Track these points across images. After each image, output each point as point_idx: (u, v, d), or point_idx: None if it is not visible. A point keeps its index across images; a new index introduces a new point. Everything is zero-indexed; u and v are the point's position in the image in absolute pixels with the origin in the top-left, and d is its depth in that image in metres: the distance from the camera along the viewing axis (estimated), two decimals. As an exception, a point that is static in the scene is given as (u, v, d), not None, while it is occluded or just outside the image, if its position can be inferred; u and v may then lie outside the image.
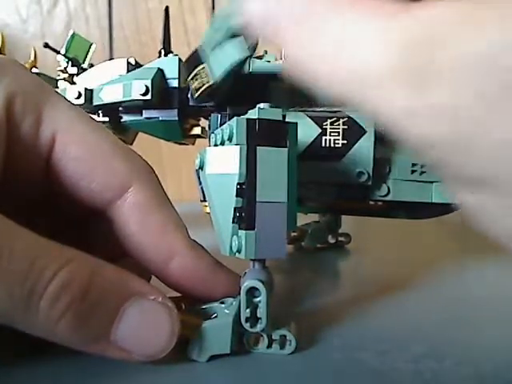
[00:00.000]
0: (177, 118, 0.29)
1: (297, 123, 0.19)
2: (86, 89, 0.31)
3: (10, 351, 0.19)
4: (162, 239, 0.19)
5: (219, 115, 0.27)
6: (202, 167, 0.20)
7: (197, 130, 0.31)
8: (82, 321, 0.16)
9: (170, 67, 0.30)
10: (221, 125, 0.27)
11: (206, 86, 0.20)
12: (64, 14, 0.76)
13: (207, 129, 0.30)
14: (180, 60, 0.30)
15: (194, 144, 0.35)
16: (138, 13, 0.65)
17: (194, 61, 0.21)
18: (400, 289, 0.29)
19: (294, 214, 0.20)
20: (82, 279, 0.16)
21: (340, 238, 0.42)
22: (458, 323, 0.24)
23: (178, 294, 0.22)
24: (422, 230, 0.49)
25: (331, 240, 0.42)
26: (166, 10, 0.33)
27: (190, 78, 0.21)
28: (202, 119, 0.33)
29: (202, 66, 0.20)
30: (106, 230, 0.20)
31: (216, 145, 0.20)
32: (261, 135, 0.18)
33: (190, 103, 0.27)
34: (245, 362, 0.19)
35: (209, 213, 0.21)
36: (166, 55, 0.33)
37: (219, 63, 0.20)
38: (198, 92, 0.21)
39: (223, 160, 0.19)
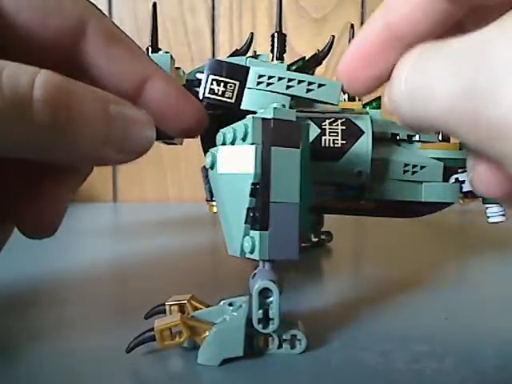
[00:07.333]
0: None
1: (309, 124, 0.19)
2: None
3: None
4: (133, 64, 0.19)
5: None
6: (212, 166, 0.20)
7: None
8: None
9: (163, 65, 0.29)
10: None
11: (226, 100, 0.21)
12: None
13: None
14: (172, 58, 0.30)
15: (181, 144, 0.34)
16: (138, 13, 0.63)
17: (235, 70, 0.21)
18: (399, 289, 0.29)
19: (307, 215, 0.20)
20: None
21: (322, 237, 0.43)
22: (458, 323, 0.24)
23: (180, 298, 0.22)
24: (404, 228, 0.50)
25: (313, 238, 0.42)
26: (154, 5, 0.32)
27: (214, 76, 0.21)
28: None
29: (234, 81, 0.21)
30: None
31: (224, 143, 0.20)
32: (276, 135, 0.18)
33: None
34: (258, 364, 0.19)
35: (215, 212, 0.21)
36: (153, 52, 0.32)
37: (257, 100, 0.21)
38: (214, 96, 0.21)
39: (237, 159, 0.18)
